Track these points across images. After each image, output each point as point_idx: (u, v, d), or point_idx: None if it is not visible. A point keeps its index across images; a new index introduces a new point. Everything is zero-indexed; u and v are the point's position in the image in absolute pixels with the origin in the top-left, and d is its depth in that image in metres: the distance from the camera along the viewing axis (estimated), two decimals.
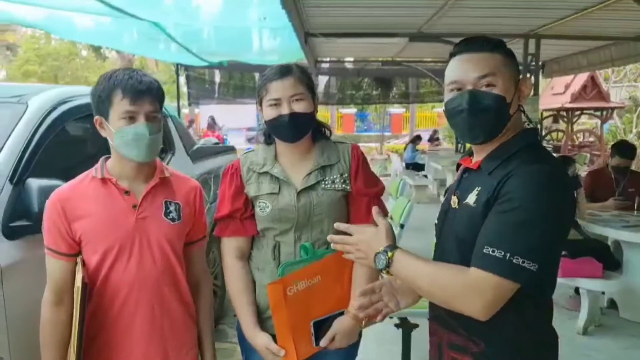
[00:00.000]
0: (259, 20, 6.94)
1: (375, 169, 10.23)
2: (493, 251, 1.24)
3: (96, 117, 1.70)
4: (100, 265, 1.68)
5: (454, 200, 1.46)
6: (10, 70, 26.60)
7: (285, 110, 1.78)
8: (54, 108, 2.43)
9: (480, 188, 1.35)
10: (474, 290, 1.25)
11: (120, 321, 1.71)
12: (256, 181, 1.86)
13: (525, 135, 1.39)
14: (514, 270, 1.22)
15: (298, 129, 1.81)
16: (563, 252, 3.91)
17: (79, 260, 1.68)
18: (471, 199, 1.37)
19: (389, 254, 1.37)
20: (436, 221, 1.57)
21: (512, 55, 1.42)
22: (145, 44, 8.67)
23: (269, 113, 1.80)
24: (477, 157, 1.45)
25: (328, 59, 12.44)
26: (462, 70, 1.39)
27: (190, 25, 7.62)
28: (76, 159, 2.05)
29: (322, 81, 14.69)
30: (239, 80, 14.12)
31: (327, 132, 1.96)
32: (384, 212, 1.90)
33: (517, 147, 1.36)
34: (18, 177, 2.10)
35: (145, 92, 1.65)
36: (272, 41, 8.25)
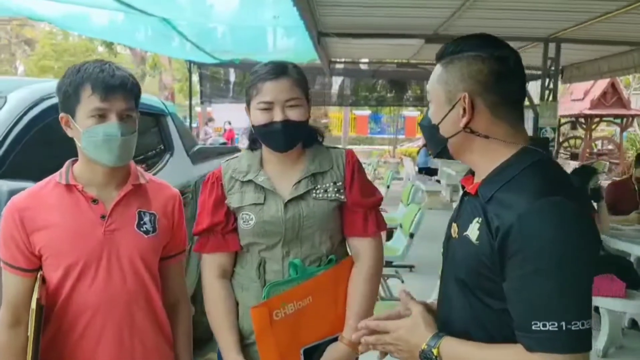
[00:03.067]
0: (272, 19, 6.82)
1: (387, 172, 10.08)
2: (544, 325, 1.04)
3: (62, 115, 1.51)
4: (62, 283, 1.49)
5: (454, 229, 1.26)
6: (28, 65, 26.82)
7: (278, 116, 1.59)
8: (35, 104, 2.25)
9: (480, 220, 1.15)
10: None
11: (82, 347, 1.51)
12: (239, 191, 1.67)
13: (526, 155, 1.16)
14: (577, 340, 1.04)
15: (290, 138, 1.63)
16: None
17: (38, 277, 1.49)
18: (472, 232, 1.16)
19: (435, 350, 1.17)
20: (442, 249, 1.37)
21: (457, 64, 1.18)
22: (158, 41, 8.62)
23: (259, 117, 1.61)
24: (476, 178, 1.24)
25: (343, 60, 12.27)
26: None
27: (204, 23, 7.53)
28: (58, 160, 1.86)
29: (336, 82, 14.53)
30: None
31: (320, 137, 1.77)
32: (382, 226, 1.73)
33: (517, 169, 1.14)
34: None
35: (118, 88, 1.46)
36: (286, 40, 8.16)
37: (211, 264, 1.70)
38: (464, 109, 1.17)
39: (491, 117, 1.18)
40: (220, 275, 1.70)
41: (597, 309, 4.24)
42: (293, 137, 1.63)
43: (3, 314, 1.50)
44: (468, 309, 1.19)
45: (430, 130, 1.27)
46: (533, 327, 1.05)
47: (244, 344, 1.67)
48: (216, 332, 1.68)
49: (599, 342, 3.94)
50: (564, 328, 1.03)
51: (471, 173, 1.28)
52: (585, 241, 1.07)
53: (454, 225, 1.27)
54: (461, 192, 1.31)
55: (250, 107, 1.65)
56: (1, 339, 1.49)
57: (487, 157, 1.19)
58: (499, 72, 1.16)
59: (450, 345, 1.17)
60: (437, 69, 1.23)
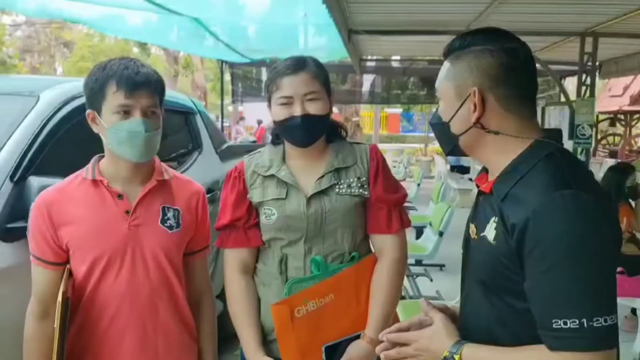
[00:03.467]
0: (303, 17, 6.85)
1: (418, 170, 10.01)
2: (565, 323, 1.01)
3: (88, 111, 1.54)
4: (88, 277, 1.52)
5: (473, 230, 1.23)
6: (66, 67, 27.56)
7: (297, 110, 1.58)
8: (66, 102, 2.30)
9: (496, 219, 1.12)
10: None
11: (108, 339, 1.54)
12: (261, 185, 1.67)
13: (539, 149, 1.13)
14: (601, 337, 1.00)
15: (311, 132, 1.61)
16: (619, 269, 3.58)
17: (65, 270, 1.52)
18: (490, 232, 1.13)
19: (457, 357, 1.15)
20: (462, 249, 1.34)
21: (465, 59, 1.16)
22: (190, 42, 8.75)
23: (279, 113, 1.60)
24: (490, 176, 1.21)
25: (374, 58, 12.20)
26: None
27: (235, 22, 7.61)
28: (88, 157, 1.91)
29: (367, 80, 14.47)
30: None
31: (343, 132, 1.76)
32: (406, 223, 1.70)
33: (530, 164, 1.11)
34: (20, 175, 1.98)
35: (142, 85, 1.48)
36: (317, 38, 8.15)
37: (233, 259, 1.70)
38: (475, 105, 1.15)
39: (502, 111, 1.15)
40: (242, 270, 1.70)
41: (634, 310, 4.12)
42: (313, 131, 1.62)
43: (32, 306, 1.54)
44: (491, 311, 1.16)
45: (441, 129, 1.24)
46: (554, 326, 1.02)
47: (267, 340, 1.66)
48: (238, 328, 1.68)
49: (636, 345, 3.81)
50: (585, 325, 0.99)
51: (485, 171, 1.25)
52: (602, 233, 1.03)
53: (472, 226, 1.24)
54: (476, 191, 1.28)
55: (271, 103, 1.64)
56: (30, 329, 1.54)
57: (500, 153, 1.17)
58: (508, 65, 1.13)
59: (472, 350, 1.15)
60: (445, 66, 1.21)
